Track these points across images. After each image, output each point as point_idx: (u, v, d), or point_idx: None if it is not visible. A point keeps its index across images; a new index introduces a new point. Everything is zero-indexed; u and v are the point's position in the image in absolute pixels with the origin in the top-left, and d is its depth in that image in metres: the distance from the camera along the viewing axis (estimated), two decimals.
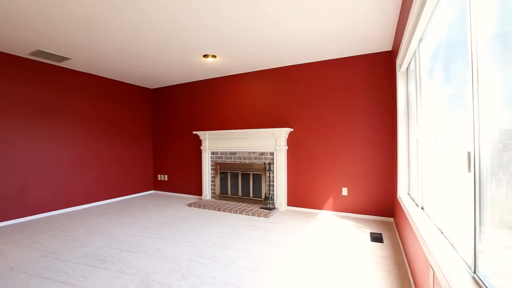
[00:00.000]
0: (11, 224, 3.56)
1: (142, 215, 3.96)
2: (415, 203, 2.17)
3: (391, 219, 3.59)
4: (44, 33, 2.94)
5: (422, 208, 1.97)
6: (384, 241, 2.85)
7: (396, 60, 2.76)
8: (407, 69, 2.65)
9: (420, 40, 1.90)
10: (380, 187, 3.66)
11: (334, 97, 3.96)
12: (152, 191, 5.90)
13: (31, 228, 3.38)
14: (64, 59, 3.77)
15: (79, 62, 3.95)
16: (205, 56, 3.71)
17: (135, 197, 5.35)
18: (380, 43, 3.33)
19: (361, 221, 3.58)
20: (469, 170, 0.99)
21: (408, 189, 2.66)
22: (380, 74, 3.64)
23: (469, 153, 1.00)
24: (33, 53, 3.56)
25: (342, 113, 3.91)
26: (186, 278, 2.07)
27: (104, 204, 4.75)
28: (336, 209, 3.96)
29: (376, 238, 2.91)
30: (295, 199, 4.28)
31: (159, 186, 5.83)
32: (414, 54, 2.14)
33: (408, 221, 2.05)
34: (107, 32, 2.92)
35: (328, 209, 4.02)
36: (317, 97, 4.08)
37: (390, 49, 3.53)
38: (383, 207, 3.64)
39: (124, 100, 5.27)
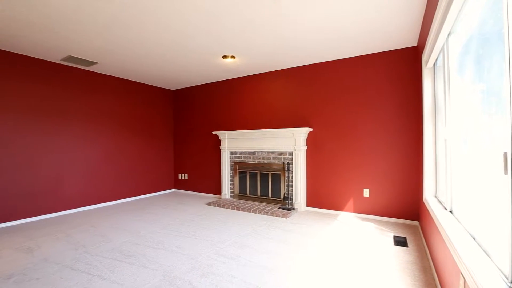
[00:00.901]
0: (47, 218, 3.81)
1: (163, 213, 4.08)
2: (443, 206, 2.06)
3: (416, 223, 3.43)
4: (75, 40, 3.11)
5: (451, 212, 1.87)
6: (409, 245, 2.72)
7: (422, 56, 2.63)
8: (434, 65, 2.52)
9: (449, 34, 1.80)
10: (404, 189, 3.51)
11: (355, 95, 3.85)
12: (173, 190, 6.06)
13: (64, 222, 3.60)
14: (92, 63, 3.98)
15: (105, 66, 4.15)
16: (224, 57, 3.76)
17: (156, 195, 5.53)
18: (405, 39, 3.19)
19: (384, 224, 3.45)
20: (505, 172, 0.92)
21: (435, 191, 2.53)
22: (404, 71, 3.49)
23: (505, 154, 0.93)
24: (65, 59, 3.78)
25: (364, 112, 3.79)
26: (206, 275, 2.11)
27: (128, 201, 4.96)
28: (357, 210, 3.84)
29: (400, 242, 2.79)
30: (314, 200, 4.21)
31: (179, 185, 5.98)
32: (442, 49, 2.03)
33: (436, 225, 1.95)
34: (130, 37, 3.04)
35: (348, 210, 3.91)
36: (337, 96, 3.99)
37: (415, 44, 3.37)
38: (407, 209, 3.49)
39: (147, 101, 5.46)
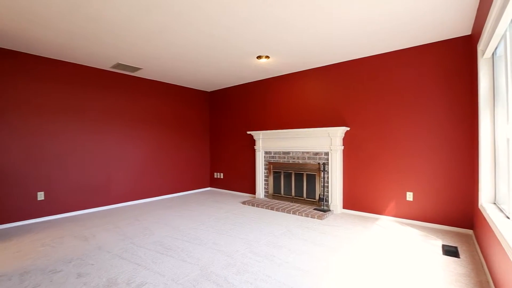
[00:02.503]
0: (100, 211, 4.23)
1: (200, 210, 4.25)
2: (505, 214, 1.82)
3: (469, 231, 3.09)
4: (122, 48, 3.40)
5: None
6: (461, 256, 2.46)
7: (478, 45, 2.35)
8: (492, 54, 2.24)
9: None
10: (454, 193, 3.19)
11: (398, 92, 3.59)
12: (209, 188, 6.28)
13: (113, 215, 3.96)
14: (137, 69, 4.30)
15: (148, 71, 4.45)
16: (259, 57, 3.78)
17: (194, 193, 5.79)
18: (455, 27, 2.89)
19: (430, 231, 3.17)
20: None
21: (494, 197, 2.25)
22: (454, 63, 3.17)
23: None
24: (114, 66, 4.15)
25: (408, 109, 3.52)
26: (241, 273, 2.15)
27: (169, 197, 5.26)
28: (399, 215, 3.59)
29: (450, 251, 2.54)
30: (351, 202, 4.03)
31: (215, 183, 6.18)
32: (504, 36, 1.79)
33: (496, 236, 1.73)
34: (170, 44, 3.22)
35: (389, 214, 3.67)
36: (376, 93, 3.77)
37: (469, 33, 3.04)
38: (458, 216, 3.16)
39: (185, 102, 5.74)
